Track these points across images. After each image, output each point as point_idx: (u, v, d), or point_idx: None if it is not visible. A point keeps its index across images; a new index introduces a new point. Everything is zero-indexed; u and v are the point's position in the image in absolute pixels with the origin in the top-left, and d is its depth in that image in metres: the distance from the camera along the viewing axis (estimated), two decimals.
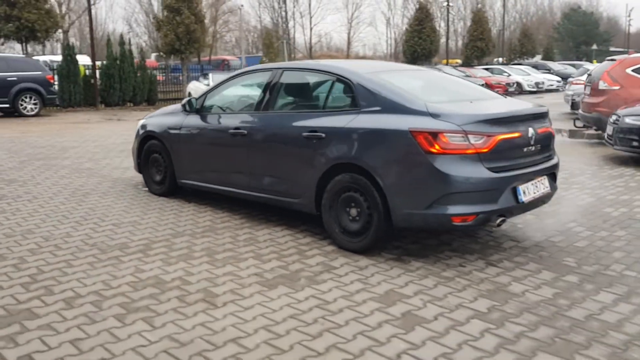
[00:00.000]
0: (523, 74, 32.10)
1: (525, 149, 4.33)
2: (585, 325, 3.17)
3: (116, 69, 22.48)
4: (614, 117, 8.73)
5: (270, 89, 5.12)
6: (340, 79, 4.66)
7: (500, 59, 50.49)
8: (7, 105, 17.47)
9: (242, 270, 4.02)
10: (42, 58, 26.31)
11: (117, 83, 22.53)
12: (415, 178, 4.05)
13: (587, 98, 11.22)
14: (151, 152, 6.30)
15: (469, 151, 3.98)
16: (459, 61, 49.36)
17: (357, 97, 4.46)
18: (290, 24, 64.13)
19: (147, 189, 6.50)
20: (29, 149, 10.06)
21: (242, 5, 53.14)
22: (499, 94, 5.33)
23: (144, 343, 2.95)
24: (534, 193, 4.37)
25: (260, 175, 5.07)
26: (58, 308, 3.38)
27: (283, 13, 62.94)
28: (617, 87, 10.59)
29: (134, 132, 6.65)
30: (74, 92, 21.46)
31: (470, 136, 3.98)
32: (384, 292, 3.64)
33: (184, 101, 5.90)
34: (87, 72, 22.28)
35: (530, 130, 4.34)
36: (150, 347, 2.91)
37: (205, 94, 5.78)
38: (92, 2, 22.01)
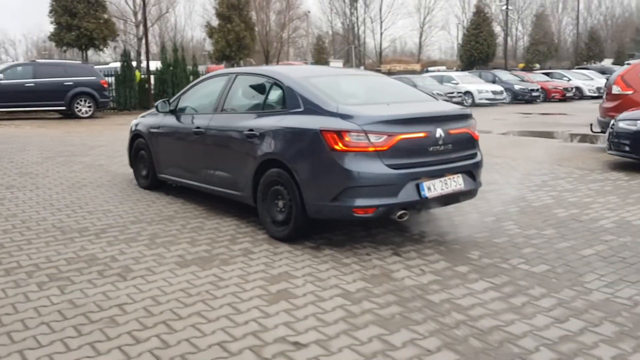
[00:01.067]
0: (585, 79, 31.27)
1: (431, 148, 4.63)
2: (434, 307, 3.46)
3: (169, 75, 23.76)
4: (612, 122, 8.69)
5: (225, 92, 5.65)
6: (276, 82, 5.11)
7: (569, 63, 49.09)
8: (64, 108, 18.93)
9: (170, 252, 4.53)
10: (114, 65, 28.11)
11: (169, 88, 23.71)
12: (323, 173, 4.44)
13: (604, 102, 11.09)
14: (138, 149, 6.95)
15: (369, 149, 4.33)
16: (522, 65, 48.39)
17: (287, 99, 4.91)
18: (361, 29, 64.76)
19: (136, 183, 7.17)
20: (61, 146, 11.04)
21: (309, 12, 54.24)
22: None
23: (46, 304, 3.51)
24: (442, 190, 4.65)
25: (214, 171, 5.58)
26: None
27: (354, 18, 63.73)
28: (630, 92, 10.44)
29: None
30: (129, 96, 22.86)
31: (370, 135, 4.34)
32: (278, 273, 4.06)
33: (156, 103, 6.51)
34: (143, 77, 23.69)
35: (439, 131, 4.63)
36: (51, 307, 3.46)
37: (179, 96, 6.37)
38: (166, 10, 23.55)
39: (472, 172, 4.98)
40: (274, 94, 5.17)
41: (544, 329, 3.18)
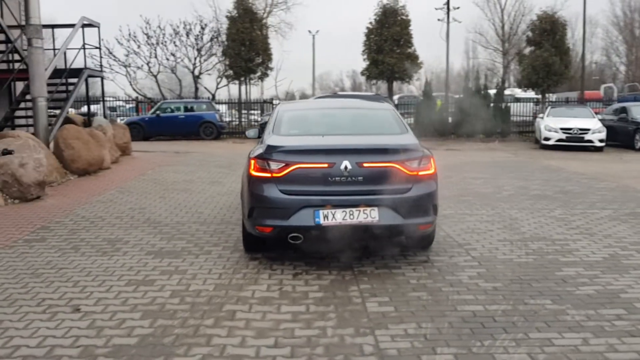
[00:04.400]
0: None
1: (335, 179, 4.89)
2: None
3: (468, 103, 24.59)
4: None
5: None
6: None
7: None
8: None
9: None
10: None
11: (468, 115, 24.56)
12: (245, 193, 5.27)
13: None
14: None
15: (268, 175, 5.00)
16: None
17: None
18: None
19: None
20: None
21: None
22: None
23: None
24: (343, 220, 4.87)
25: None
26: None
27: None
28: None
29: None
30: (427, 124, 24.61)
31: (271, 163, 4.99)
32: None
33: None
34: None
35: (345, 163, 4.88)
36: None
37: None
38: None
39: (396, 208, 4.98)
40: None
41: None
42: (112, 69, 23.64)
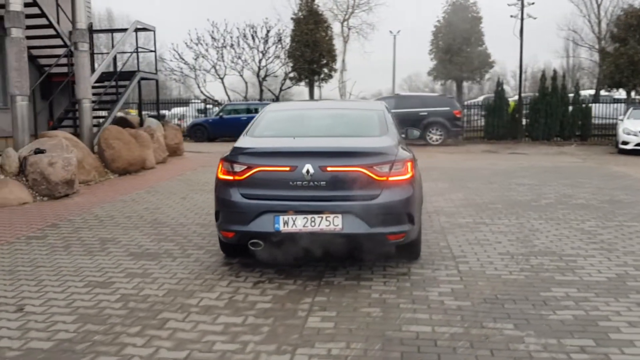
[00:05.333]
0: None
1: (296, 183, 4.62)
2: None
3: (543, 104, 23.23)
4: None
5: None
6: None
7: None
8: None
9: None
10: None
11: (542, 117, 23.24)
12: (214, 196, 5.12)
13: None
14: None
15: (231, 178, 4.82)
16: None
17: None
18: None
19: None
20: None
21: None
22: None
23: None
24: (303, 227, 4.59)
25: None
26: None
27: None
28: None
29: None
30: (497, 126, 23.53)
31: (234, 165, 4.81)
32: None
33: None
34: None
35: (307, 167, 4.60)
36: None
37: None
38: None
39: (361, 215, 4.64)
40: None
41: None
42: (182, 72, 24.40)
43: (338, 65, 25.09)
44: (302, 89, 26.92)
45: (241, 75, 23.76)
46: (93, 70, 12.85)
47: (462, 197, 9.12)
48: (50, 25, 12.25)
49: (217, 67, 23.36)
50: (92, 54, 14.12)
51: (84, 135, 11.24)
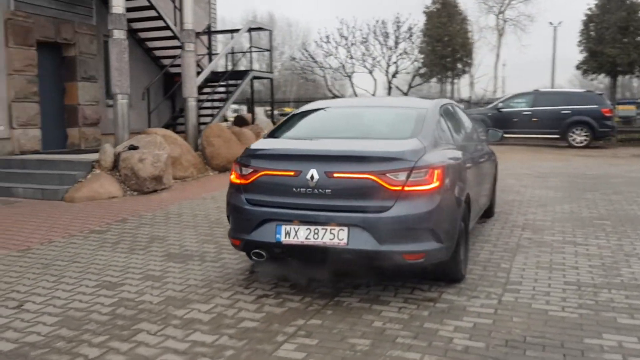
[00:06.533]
0: None
1: (299, 190, 4.10)
2: None
3: None
4: None
5: None
6: None
7: None
8: (557, 136, 19.24)
9: None
10: None
11: None
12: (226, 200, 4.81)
13: None
14: None
15: (238, 181, 4.48)
16: None
17: None
18: None
19: None
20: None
21: None
22: None
23: None
24: (306, 239, 4.09)
25: None
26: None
27: None
28: None
29: None
30: None
31: (242, 168, 4.47)
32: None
33: None
34: None
35: (312, 172, 4.09)
36: None
37: None
38: None
39: (370, 230, 4.02)
40: None
41: None
42: (312, 71, 24.61)
43: (487, 60, 23.49)
44: (433, 85, 25.78)
45: (370, 73, 23.35)
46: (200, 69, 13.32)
47: (567, 209, 7.89)
48: (168, 27, 12.85)
49: (346, 65, 23.20)
50: (209, 55, 14.66)
51: (189, 133, 11.63)
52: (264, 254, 4.33)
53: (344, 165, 4.12)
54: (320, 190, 4.12)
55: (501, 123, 19.27)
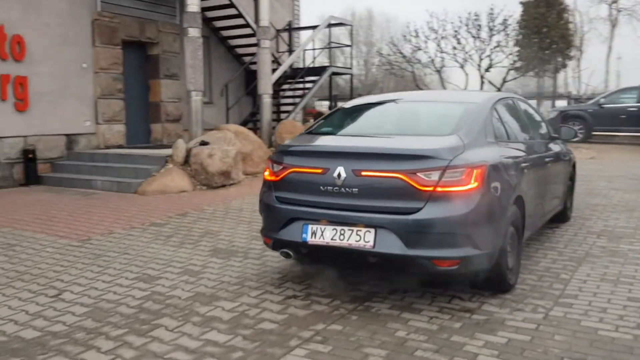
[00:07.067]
0: None
1: (327, 188, 3.92)
2: None
3: None
4: None
5: None
6: None
7: None
8: None
9: None
10: None
11: None
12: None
13: None
14: None
15: (269, 178, 4.37)
16: None
17: None
18: None
19: None
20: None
21: None
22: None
23: None
24: (331, 239, 3.90)
25: None
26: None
27: None
28: None
29: None
30: None
31: (274, 165, 4.36)
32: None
33: None
34: None
35: (339, 169, 3.89)
36: None
37: None
38: None
39: (398, 232, 3.75)
40: None
41: None
42: (400, 67, 24.12)
43: (599, 53, 21.87)
44: (528, 80, 24.41)
45: (462, 67, 22.49)
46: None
47: None
48: (248, 25, 13.03)
49: (435, 60, 22.50)
50: (290, 52, 14.72)
51: (263, 129, 11.73)
52: (291, 253, 4.19)
53: (373, 164, 3.88)
54: (347, 189, 3.91)
55: (603, 120, 17.95)
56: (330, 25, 14.06)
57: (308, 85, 13.98)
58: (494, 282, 4.17)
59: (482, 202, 3.83)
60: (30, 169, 9.89)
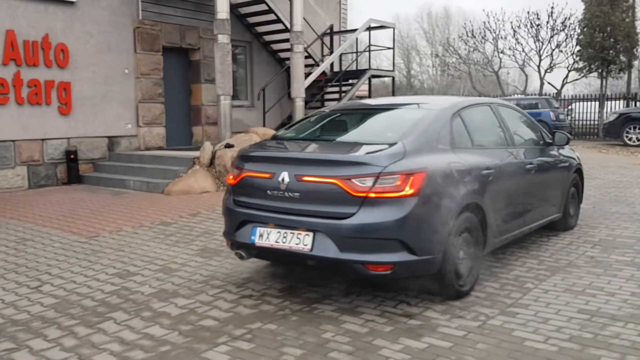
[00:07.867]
0: None
1: (273, 193, 4.10)
2: None
3: None
4: None
5: None
6: None
7: None
8: None
9: None
10: None
11: None
12: None
13: None
14: None
15: (230, 182, 4.58)
16: None
17: None
18: None
19: None
20: None
21: None
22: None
23: None
24: (275, 242, 4.05)
25: None
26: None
27: None
28: None
29: None
30: None
31: (234, 169, 4.57)
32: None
33: None
34: None
35: (283, 175, 4.05)
36: None
37: None
38: None
39: (332, 237, 3.84)
40: None
41: None
42: (457, 68, 23.68)
43: None
44: (590, 80, 23.24)
45: (521, 68, 21.79)
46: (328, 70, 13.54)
47: None
48: (287, 30, 13.30)
49: (493, 60, 21.93)
50: (330, 54, 14.85)
51: None
52: (244, 254, 4.37)
53: (313, 169, 4.00)
54: (290, 193, 4.05)
55: None
56: (370, 29, 14.09)
57: (345, 88, 14.09)
58: (442, 288, 4.17)
59: (419, 208, 3.85)
60: (72, 168, 10.59)
